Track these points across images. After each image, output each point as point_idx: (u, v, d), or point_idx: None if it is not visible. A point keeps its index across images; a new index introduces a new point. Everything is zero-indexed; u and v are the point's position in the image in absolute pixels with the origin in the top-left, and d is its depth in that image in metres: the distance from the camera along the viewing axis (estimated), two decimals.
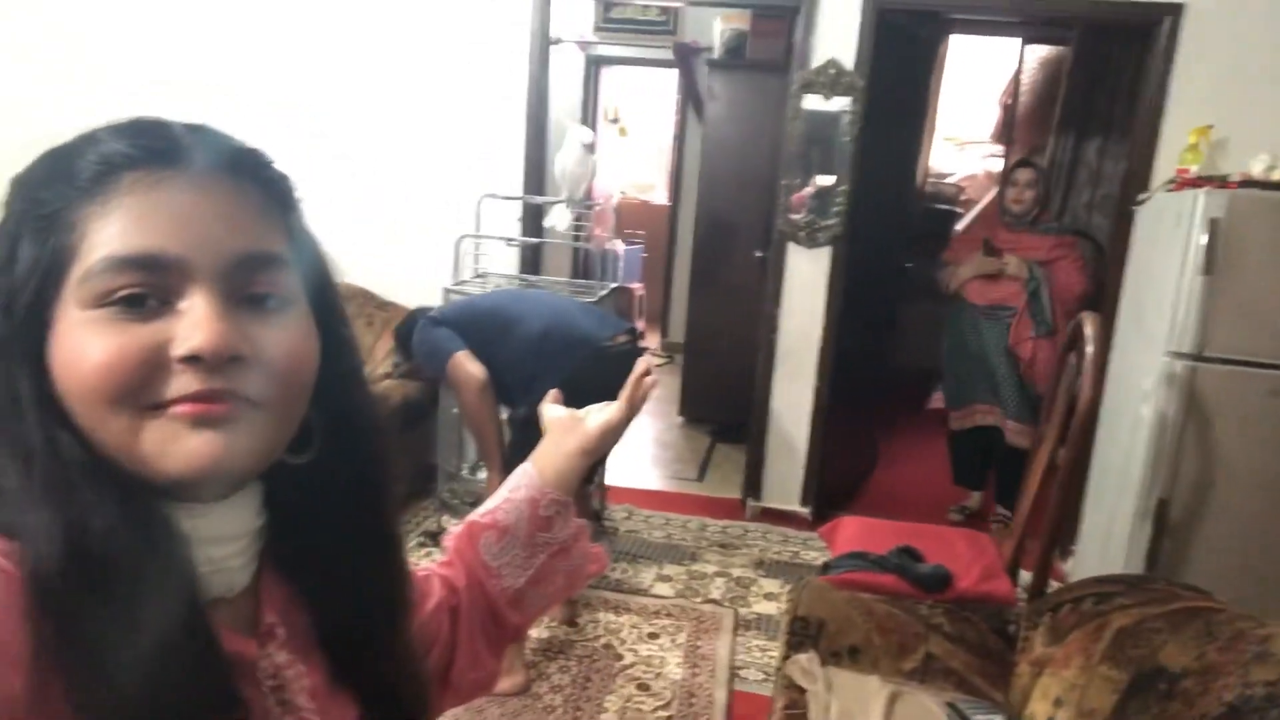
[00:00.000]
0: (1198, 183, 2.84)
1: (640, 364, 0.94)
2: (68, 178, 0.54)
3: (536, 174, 3.83)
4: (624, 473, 4.07)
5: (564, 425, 0.90)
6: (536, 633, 2.79)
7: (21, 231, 0.54)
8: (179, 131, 0.57)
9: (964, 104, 6.52)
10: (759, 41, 4.76)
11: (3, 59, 3.99)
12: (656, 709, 2.47)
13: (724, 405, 4.79)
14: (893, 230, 4.51)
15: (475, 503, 3.52)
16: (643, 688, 2.57)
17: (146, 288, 0.52)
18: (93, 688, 0.48)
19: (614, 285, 3.74)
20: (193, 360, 0.52)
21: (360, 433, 0.66)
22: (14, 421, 0.52)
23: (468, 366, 2.84)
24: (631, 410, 0.92)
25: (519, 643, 2.49)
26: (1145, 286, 3.07)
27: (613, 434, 0.90)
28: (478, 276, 3.64)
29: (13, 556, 0.49)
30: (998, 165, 6.34)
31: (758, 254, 4.38)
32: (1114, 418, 3.18)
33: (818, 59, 3.54)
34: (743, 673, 2.71)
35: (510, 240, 3.75)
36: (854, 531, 2.51)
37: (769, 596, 3.17)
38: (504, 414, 3.07)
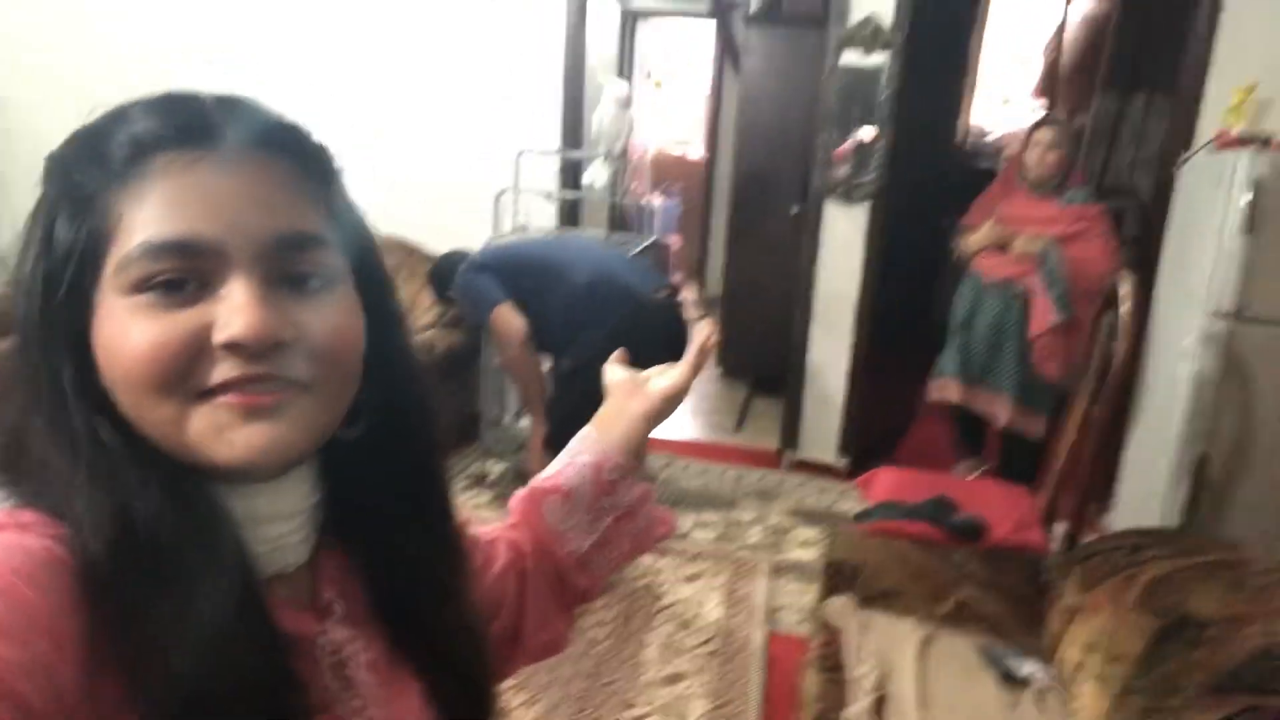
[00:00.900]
0: (1240, 143, 2.83)
1: (703, 328, 0.94)
2: (101, 160, 0.53)
3: (574, 129, 3.86)
4: (664, 424, 4.14)
5: (626, 389, 0.89)
6: None
7: (58, 213, 0.53)
8: (211, 108, 0.55)
9: (1007, 61, 6.43)
10: None
11: (51, 32, 4.07)
12: (696, 646, 2.58)
13: (762, 357, 4.84)
14: (931, 187, 4.50)
15: (518, 449, 3.63)
16: (683, 625, 2.68)
17: (185, 272, 0.52)
18: (148, 671, 0.48)
19: (653, 238, 3.79)
20: (234, 347, 0.51)
21: (410, 403, 0.66)
22: (58, 407, 0.52)
23: (511, 319, 2.89)
24: (693, 375, 0.91)
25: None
26: (1186, 246, 3.07)
27: (676, 399, 0.89)
28: (517, 230, 3.70)
29: (62, 541, 0.49)
30: None
31: (794, 209, 4.40)
32: (1154, 376, 3.21)
33: (856, 15, 3.52)
34: (779, 614, 2.81)
35: (549, 195, 3.80)
36: (891, 482, 2.57)
37: (805, 544, 3.25)
38: (546, 364, 3.14)
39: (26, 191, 0.56)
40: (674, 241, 6.86)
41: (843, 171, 3.66)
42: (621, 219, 5.03)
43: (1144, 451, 3.21)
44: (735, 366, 5.23)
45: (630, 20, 6.51)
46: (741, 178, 5.05)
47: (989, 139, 6.39)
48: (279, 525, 0.58)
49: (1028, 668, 1.77)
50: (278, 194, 0.55)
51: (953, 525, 2.29)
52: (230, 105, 0.56)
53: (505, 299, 2.91)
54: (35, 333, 0.53)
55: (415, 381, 0.67)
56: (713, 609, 2.79)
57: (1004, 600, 2.08)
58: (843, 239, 3.71)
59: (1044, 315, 3.21)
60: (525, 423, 3.86)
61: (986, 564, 2.15)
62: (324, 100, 3.79)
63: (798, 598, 2.90)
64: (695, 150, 7.64)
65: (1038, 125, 3.38)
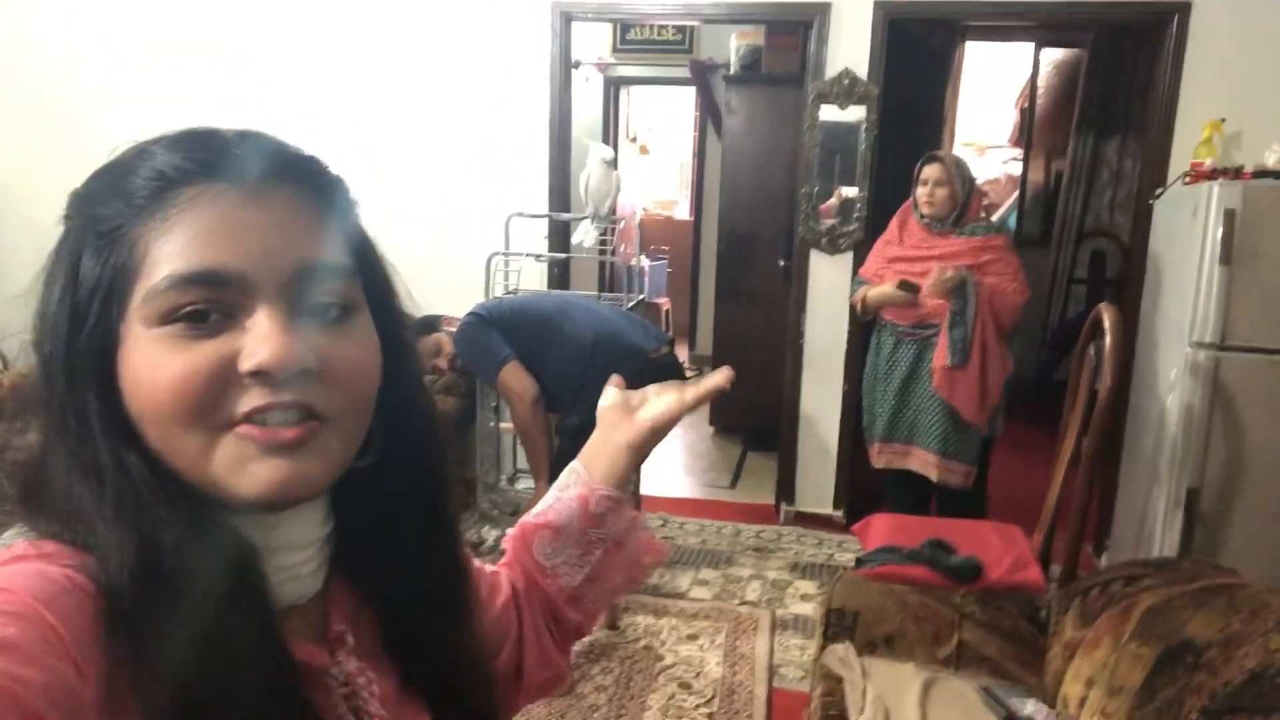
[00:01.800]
0: (1212, 175, 2.88)
1: (720, 374, 0.90)
2: (125, 195, 0.54)
3: (562, 192, 3.93)
4: (658, 482, 4.14)
5: (612, 419, 0.89)
6: None
7: (83, 249, 0.54)
8: (231, 141, 0.57)
9: (983, 109, 6.57)
10: (774, 55, 4.85)
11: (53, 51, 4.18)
12: (698, 706, 2.53)
13: (754, 414, 4.84)
14: None
15: (515, 513, 3.61)
16: (684, 686, 2.63)
17: (210, 303, 0.52)
18: (167, 699, 0.48)
19: (640, 297, 3.82)
20: (260, 375, 0.52)
21: (420, 435, 0.66)
22: (83, 440, 0.53)
23: (521, 379, 2.86)
24: (685, 409, 0.89)
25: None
26: (1166, 279, 3.11)
27: (663, 430, 0.88)
28: (509, 293, 3.73)
29: (86, 571, 0.50)
30: (1018, 169, 6.38)
31: (781, 263, 4.45)
32: (1142, 410, 3.22)
33: (832, 70, 3.62)
34: (782, 670, 2.76)
35: (539, 256, 3.84)
36: (887, 527, 2.56)
37: (805, 597, 3.22)
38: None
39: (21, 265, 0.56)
40: (664, 303, 6.92)
41: (828, 224, 3.72)
42: (611, 280, 5.07)
43: (1137, 487, 3.20)
44: (729, 424, 5.23)
45: (614, 88, 6.67)
46: (727, 235, 5.11)
47: None
48: (293, 555, 0.59)
49: (1030, 708, 1.75)
50: (299, 224, 0.56)
51: (950, 567, 2.27)
52: (249, 139, 0.57)
53: (513, 356, 2.88)
54: (61, 366, 0.54)
55: (424, 411, 0.68)
56: (713, 667, 2.74)
57: (1004, 640, 2.06)
58: (829, 287, 3.75)
59: (941, 356, 3.03)
60: (522, 485, 3.84)
61: (985, 605, 2.13)
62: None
63: (799, 653, 2.86)
64: (682, 211, 7.75)
65: (925, 162, 3.15)
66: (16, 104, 4.20)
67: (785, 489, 3.95)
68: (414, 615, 0.66)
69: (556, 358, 2.88)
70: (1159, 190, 3.29)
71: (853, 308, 3.39)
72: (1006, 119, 6.63)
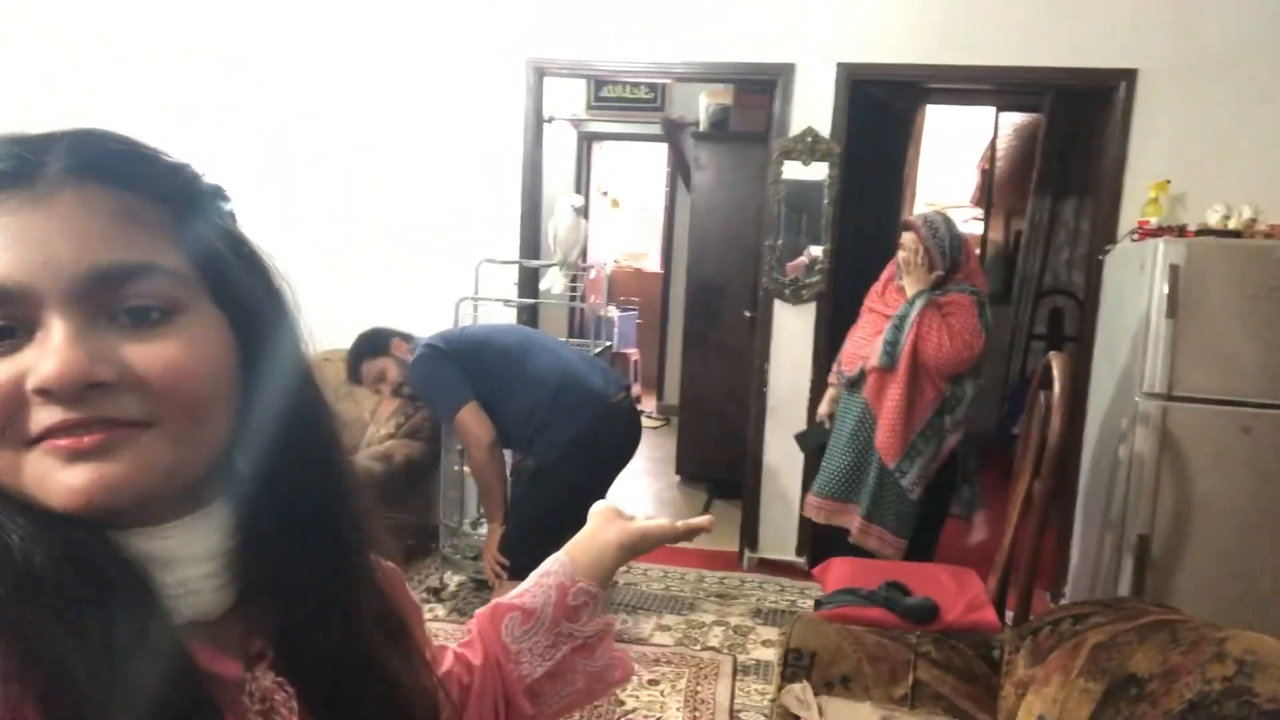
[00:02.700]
0: (1158, 233, 3.00)
1: (705, 519, 0.95)
2: None
3: (532, 242, 3.99)
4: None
5: (606, 516, 0.90)
6: None
7: None
8: (33, 146, 0.53)
9: (944, 169, 6.76)
10: (742, 114, 4.99)
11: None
12: None
13: (719, 462, 4.89)
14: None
15: (476, 557, 3.59)
16: None
17: (8, 319, 0.50)
18: (62, 707, 0.47)
19: (608, 344, 3.87)
20: (44, 393, 0.49)
21: (308, 443, 0.63)
22: None
23: (480, 422, 2.84)
24: (675, 537, 0.92)
25: None
26: (1116, 331, 3.20)
27: (654, 540, 0.89)
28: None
29: None
30: (979, 228, 6.55)
31: (747, 314, 4.52)
32: (1096, 459, 3.29)
33: (796, 127, 3.74)
34: (742, 715, 2.76)
35: (508, 301, 3.89)
36: (846, 570, 2.60)
37: (766, 643, 3.22)
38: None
39: None
40: (632, 353, 6.98)
41: (792, 276, 3.81)
42: (581, 327, 5.13)
43: (1091, 534, 3.26)
44: (694, 472, 5.26)
45: (587, 143, 6.79)
46: (695, 287, 5.20)
47: None
48: (189, 569, 0.56)
49: None
50: (94, 226, 0.51)
51: (907, 608, 2.31)
52: (60, 138, 0.54)
53: (471, 397, 2.85)
54: None
55: (315, 421, 0.64)
56: (674, 713, 2.74)
57: (959, 679, 2.08)
58: (793, 336, 3.83)
59: (871, 357, 3.08)
60: (483, 530, 3.83)
61: (940, 645, 2.15)
62: (289, 219, 3.89)
63: (759, 698, 2.86)
64: (652, 264, 7.85)
65: (902, 228, 3.21)
66: (16, 104, 4.19)
67: (749, 535, 3.97)
68: (319, 634, 0.62)
69: (518, 399, 2.87)
70: (1108, 246, 3.41)
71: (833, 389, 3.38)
72: (969, 179, 6.82)
